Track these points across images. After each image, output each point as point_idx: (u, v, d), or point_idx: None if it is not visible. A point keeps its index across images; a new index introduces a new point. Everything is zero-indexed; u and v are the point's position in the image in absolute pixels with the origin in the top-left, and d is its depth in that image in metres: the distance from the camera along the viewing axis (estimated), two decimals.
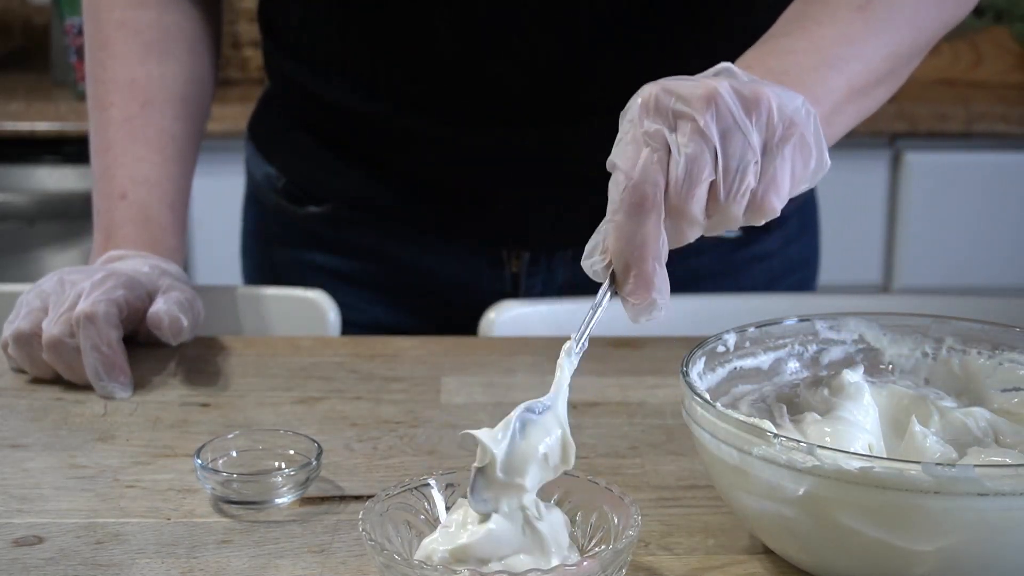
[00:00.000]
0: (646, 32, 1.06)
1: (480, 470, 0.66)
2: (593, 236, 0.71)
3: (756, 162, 0.69)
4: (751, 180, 0.69)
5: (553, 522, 0.68)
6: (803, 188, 0.73)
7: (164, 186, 1.10)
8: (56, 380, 0.99)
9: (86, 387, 0.97)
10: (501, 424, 0.67)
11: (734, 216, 0.70)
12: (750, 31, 1.14)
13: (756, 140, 0.69)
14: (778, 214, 0.71)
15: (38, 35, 2.71)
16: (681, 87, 0.70)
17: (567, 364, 0.71)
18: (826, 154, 0.73)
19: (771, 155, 0.70)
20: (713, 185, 0.69)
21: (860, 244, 2.47)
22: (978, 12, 2.57)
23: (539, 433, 0.68)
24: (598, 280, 0.71)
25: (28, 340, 0.98)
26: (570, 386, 0.70)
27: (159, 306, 1.00)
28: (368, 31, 1.09)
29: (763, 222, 0.71)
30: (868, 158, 2.43)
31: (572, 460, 0.69)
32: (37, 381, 0.99)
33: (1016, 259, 2.50)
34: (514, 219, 1.14)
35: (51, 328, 0.96)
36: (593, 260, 0.71)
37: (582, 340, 0.71)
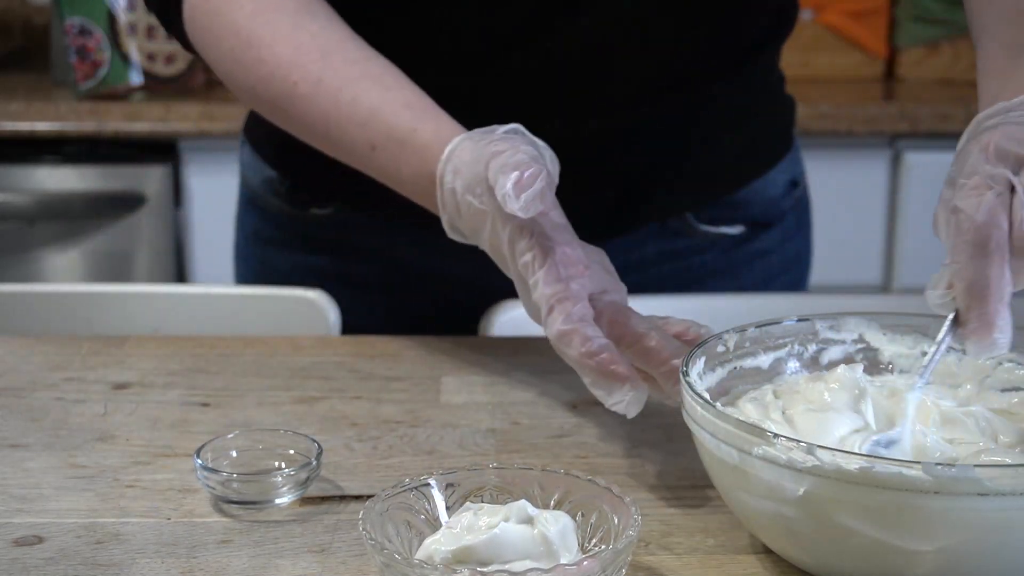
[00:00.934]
0: (659, 27, 1.06)
1: None
2: (940, 271, 0.74)
3: None
4: None
5: (563, 529, 0.67)
6: None
7: (410, 88, 0.96)
8: (56, 381, 0.99)
9: (86, 386, 0.97)
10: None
11: None
12: (763, 20, 1.15)
13: None
14: None
15: (38, 35, 2.71)
16: (1020, 131, 0.73)
17: (913, 400, 0.74)
18: None
19: None
20: None
21: (860, 244, 2.47)
22: None
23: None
24: (942, 313, 0.74)
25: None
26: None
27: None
28: (375, 27, 1.09)
29: None
30: (868, 158, 2.43)
31: None
32: (37, 381, 0.99)
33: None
34: None
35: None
36: (938, 294, 0.74)
37: (927, 375, 0.75)
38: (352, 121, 0.95)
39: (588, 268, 0.85)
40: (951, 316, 0.73)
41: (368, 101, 0.94)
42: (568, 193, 1.10)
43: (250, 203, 1.27)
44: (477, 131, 0.90)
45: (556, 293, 0.82)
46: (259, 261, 1.27)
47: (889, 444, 0.72)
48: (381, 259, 1.19)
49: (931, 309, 0.74)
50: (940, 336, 0.74)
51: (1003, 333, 0.72)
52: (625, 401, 0.80)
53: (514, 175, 0.82)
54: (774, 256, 1.23)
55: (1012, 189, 0.72)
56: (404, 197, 1.16)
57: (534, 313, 0.87)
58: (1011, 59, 0.85)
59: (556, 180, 0.85)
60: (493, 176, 0.83)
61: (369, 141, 0.95)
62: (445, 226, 0.92)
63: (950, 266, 0.73)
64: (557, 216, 0.86)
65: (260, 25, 0.98)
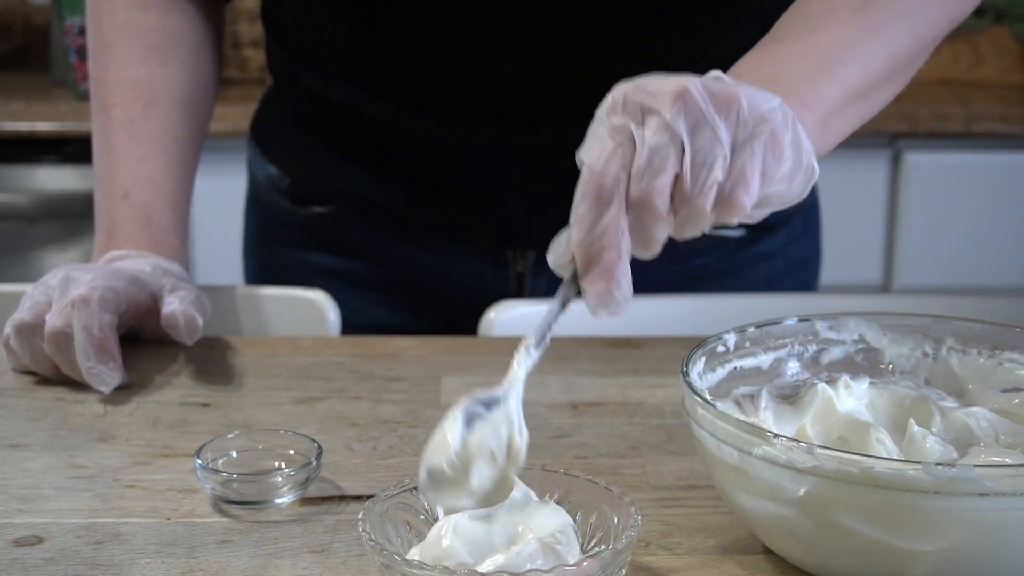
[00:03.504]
0: (651, 31, 1.06)
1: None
2: (559, 234, 0.71)
3: (724, 157, 0.69)
4: (718, 174, 0.69)
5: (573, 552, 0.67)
6: (780, 190, 0.72)
7: (166, 187, 1.10)
8: (56, 381, 0.99)
9: (86, 386, 0.97)
10: (447, 416, 0.67)
11: (701, 210, 0.69)
12: (752, 29, 1.14)
13: (725, 136, 0.69)
14: (747, 211, 0.70)
15: (38, 35, 2.71)
16: (651, 84, 0.71)
17: (524, 360, 0.70)
18: (811, 158, 0.73)
19: (740, 151, 0.70)
20: (680, 179, 0.69)
21: (860, 244, 2.47)
22: (978, 12, 2.56)
23: (486, 429, 0.67)
24: (561, 275, 0.71)
25: (31, 331, 0.98)
26: (525, 384, 0.70)
27: (174, 306, 1.00)
28: (374, 30, 1.09)
29: (735, 221, 0.71)
30: (868, 158, 2.43)
31: (520, 461, 0.68)
32: (37, 381, 0.99)
33: (1016, 259, 2.50)
34: (519, 218, 1.14)
35: (53, 320, 0.97)
36: (557, 255, 0.71)
37: (544, 338, 0.70)
38: (104, 174, 1.11)
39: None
40: (570, 274, 0.70)
41: (125, 171, 1.10)
42: (568, 194, 1.10)
43: (255, 200, 1.28)
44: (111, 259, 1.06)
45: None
46: (264, 258, 1.27)
47: (493, 406, 0.68)
48: (381, 259, 1.19)
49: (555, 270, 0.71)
50: (557, 294, 0.70)
51: (620, 288, 0.69)
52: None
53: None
54: (778, 259, 1.23)
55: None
56: (404, 198, 1.16)
57: None
58: (778, 30, 0.85)
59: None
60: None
61: (105, 191, 1.11)
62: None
63: (572, 223, 0.70)
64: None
65: (118, 41, 1.12)
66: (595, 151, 0.70)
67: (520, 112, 1.09)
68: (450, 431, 0.67)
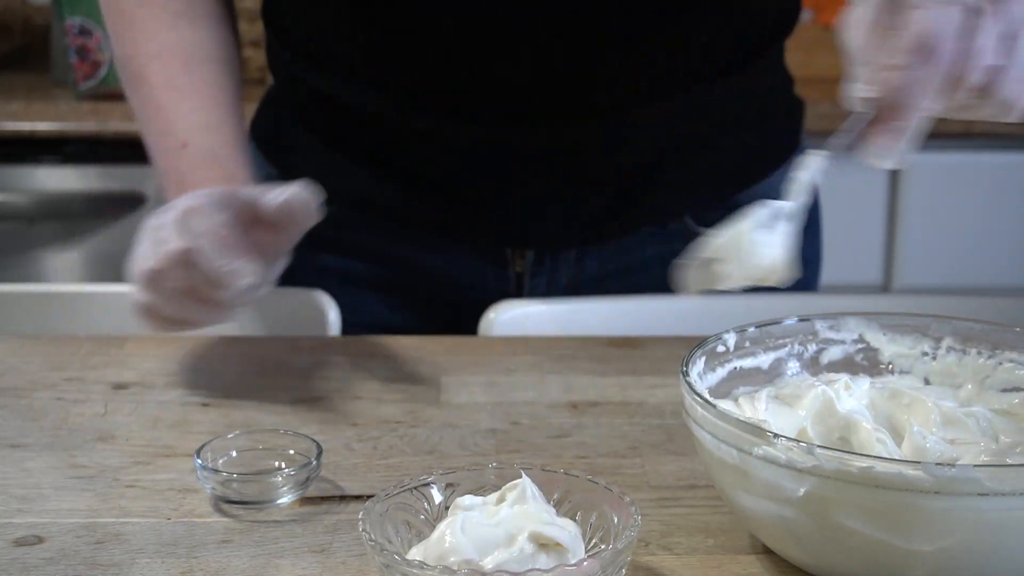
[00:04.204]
0: (651, 31, 1.06)
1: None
2: (866, 69, 0.73)
3: None
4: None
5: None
6: None
7: (225, 129, 1.05)
8: (56, 380, 0.99)
9: (86, 386, 0.97)
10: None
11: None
12: (753, 29, 1.14)
13: None
14: None
15: (38, 35, 2.71)
16: None
17: (813, 166, 0.75)
18: None
19: None
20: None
21: (860, 244, 2.47)
22: None
23: (765, 235, 0.73)
24: (854, 107, 0.74)
25: (157, 276, 0.91)
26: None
27: (282, 195, 0.93)
28: (375, 29, 1.09)
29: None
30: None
31: (787, 276, 0.73)
32: (37, 381, 0.99)
33: (1016, 259, 2.50)
34: (518, 218, 1.14)
35: (171, 244, 0.90)
36: (860, 88, 0.73)
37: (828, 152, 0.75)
38: (158, 136, 1.05)
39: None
40: (862, 112, 0.73)
41: (179, 125, 1.04)
42: (569, 194, 1.10)
43: None
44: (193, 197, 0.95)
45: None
46: None
47: (777, 215, 0.74)
48: (381, 258, 1.19)
49: (850, 103, 0.74)
50: (847, 123, 0.74)
51: (907, 146, 0.73)
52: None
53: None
54: None
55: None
56: (404, 197, 1.16)
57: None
58: None
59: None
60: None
61: (163, 149, 1.04)
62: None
63: (875, 65, 0.73)
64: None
65: (142, 14, 1.07)
66: (935, 9, 0.71)
67: (520, 112, 1.09)
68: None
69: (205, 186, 0.97)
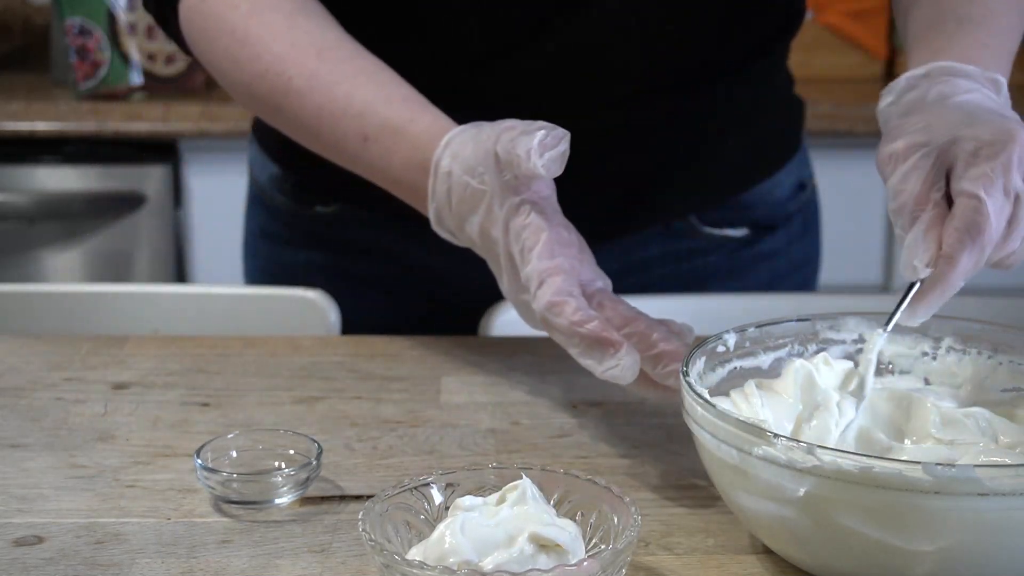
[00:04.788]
0: (667, 28, 1.06)
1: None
2: (923, 239, 0.79)
3: None
4: None
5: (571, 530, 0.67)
6: None
7: (405, 86, 0.96)
8: (56, 380, 0.99)
9: (86, 386, 0.97)
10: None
11: None
12: (760, 29, 1.14)
13: None
14: None
15: (38, 35, 2.71)
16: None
17: (876, 345, 0.80)
18: None
19: None
20: None
21: (860, 244, 2.47)
22: None
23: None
24: (909, 278, 0.79)
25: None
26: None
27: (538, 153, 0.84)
28: (379, 27, 1.09)
29: None
30: (868, 158, 2.42)
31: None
32: (37, 381, 0.99)
33: None
34: None
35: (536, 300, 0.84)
36: (918, 267, 0.79)
37: (889, 326, 0.80)
38: (346, 114, 0.95)
39: (582, 252, 0.86)
40: (918, 284, 0.79)
41: (363, 95, 0.95)
42: (572, 194, 1.10)
43: (257, 200, 1.27)
44: (473, 123, 0.91)
45: (549, 268, 0.83)
46: (265, 257, 1.27)
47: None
48: (384, 258, 1.19)
49: (906, 274, 0.79)
50: (903, 297, 0.79)
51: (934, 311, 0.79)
52: (620, 365, 0.80)
53: (540, 133, 0.83)
54: (780, 259, 1.23)
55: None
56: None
57: (516, 291, 0.87)
58: (932, 28, 0.92)
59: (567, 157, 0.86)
60: (510, 142, 0.84)
61: (362, 132, 0.95)
62: (432, 219, 0.92)
63: (929, 240, 0.79)
64: (554, 202, 0.88)
65: (256, 24, 0.99)
66: (998, 201, 0.76)
67: (520, 112, 1.09)
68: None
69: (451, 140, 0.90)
